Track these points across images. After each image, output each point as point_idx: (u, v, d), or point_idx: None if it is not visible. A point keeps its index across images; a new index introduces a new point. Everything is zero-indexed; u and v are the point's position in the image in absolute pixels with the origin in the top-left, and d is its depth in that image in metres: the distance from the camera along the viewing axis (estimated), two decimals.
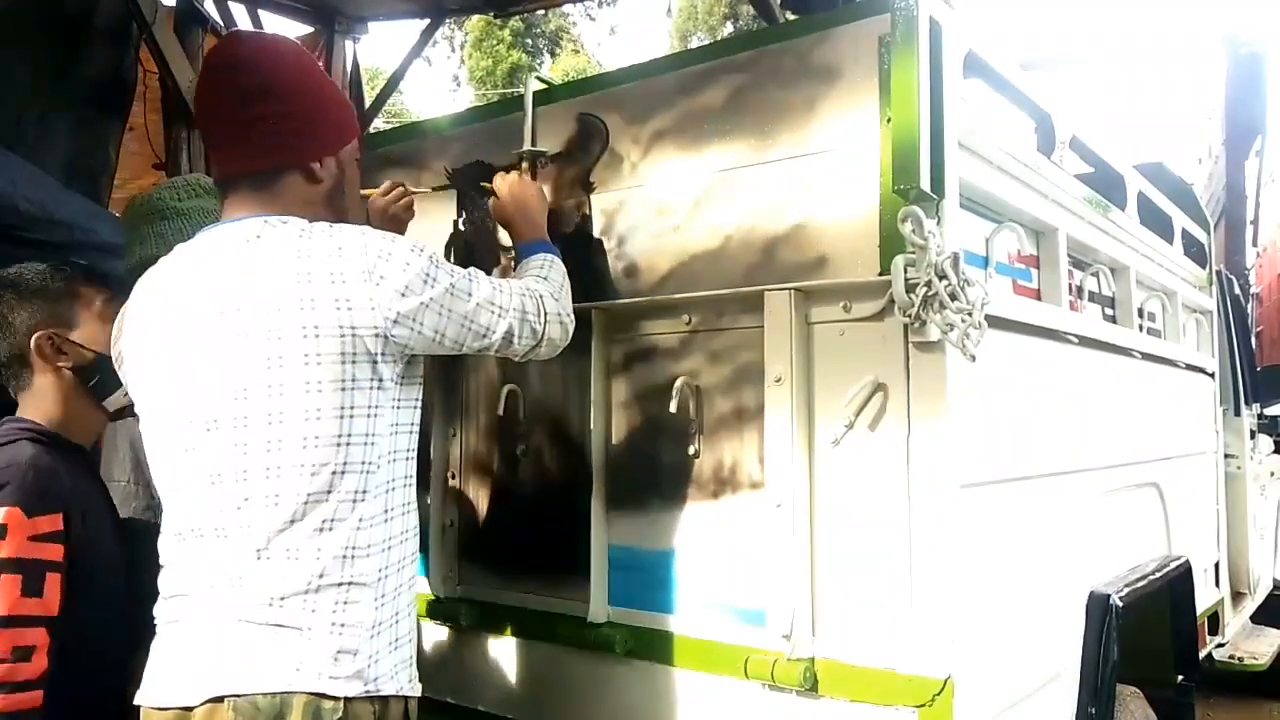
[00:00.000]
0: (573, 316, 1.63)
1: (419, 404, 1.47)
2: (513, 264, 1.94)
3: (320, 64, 1.63)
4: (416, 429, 1.46)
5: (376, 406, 1.34)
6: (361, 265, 1.32)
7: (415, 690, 1.40)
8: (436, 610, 2.10)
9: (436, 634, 2.15)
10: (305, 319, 1.29)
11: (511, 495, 2.08)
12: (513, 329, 1.49)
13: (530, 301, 1.52)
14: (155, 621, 1.39)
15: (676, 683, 1.77)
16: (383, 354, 1.34)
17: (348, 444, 1.31)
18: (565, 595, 1.93)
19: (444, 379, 2.15)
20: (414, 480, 1.46)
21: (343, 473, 1.31)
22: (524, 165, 2.02)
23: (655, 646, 1.80)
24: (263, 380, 1.29)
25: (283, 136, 1.42)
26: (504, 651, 2.05)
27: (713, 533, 1.75)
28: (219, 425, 1.32)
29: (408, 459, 1.43)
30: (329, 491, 1.30)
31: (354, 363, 1.31)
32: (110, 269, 2.97)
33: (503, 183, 1.87)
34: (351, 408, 1.31)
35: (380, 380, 1.35)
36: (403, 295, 1.33)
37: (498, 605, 2.07)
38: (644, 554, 1.85)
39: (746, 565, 1.69)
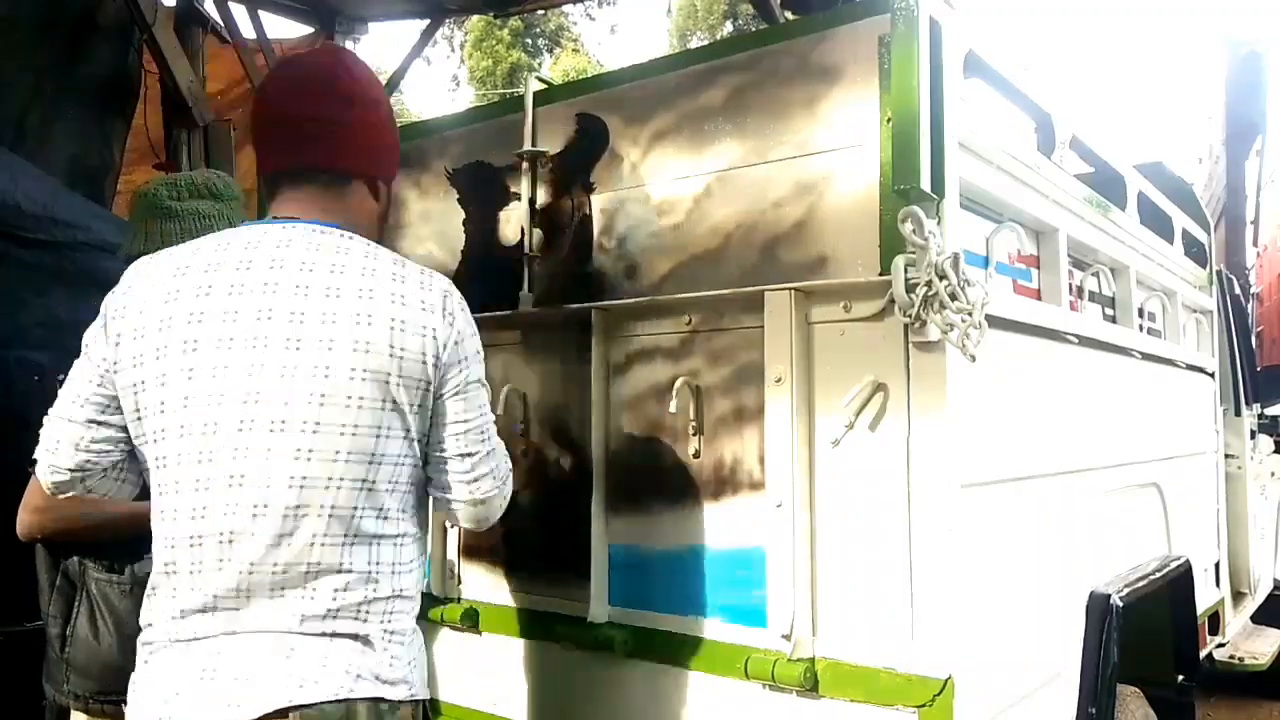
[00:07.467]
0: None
1: None
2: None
3: None
4: None
5: (423, 432, 1.39)
6: (444, 304, 1.38)
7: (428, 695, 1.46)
8: (437, 610, 2.10)
9: (437, 634, 2.15)
10: (394, 339, 1.32)
11: (512, 495, 2.08)
12: (487, 468, 1.45)
13: (507, 463, 1.53)
14: (151, 642, 1.31)
15: (677, 683, 1.77)
16: (437, 383, 1.38)
17: (402, 464, 1.36)
18: (565, 595, 1.93)
19: None
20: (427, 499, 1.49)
21: (393, 491, 1.35)
22: (524, 166, 2.02)
23: (655, 646, 1.80)
24: (344, 390, 1.29)
25: (369, 146, 1.47)
26: (504, 651, 2.05)
27: (713, 532, 1.75)
28: (286, 429, 1.28)
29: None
30: (381, 508, 1.33)
31: (421, 388, 1.35)
32: (110, 268, 2.99)
33: None
34: (411, 431, 1.36)
35: (429, 412, 1.39)
36: (457, 349, 1.39)
37: (498, 605, 2.07)
38: (644, 554, 1.85)
39: (746, 565, 1.69)
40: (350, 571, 1.30)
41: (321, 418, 1.29)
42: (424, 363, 1.35)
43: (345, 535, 1.30)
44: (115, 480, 1.43)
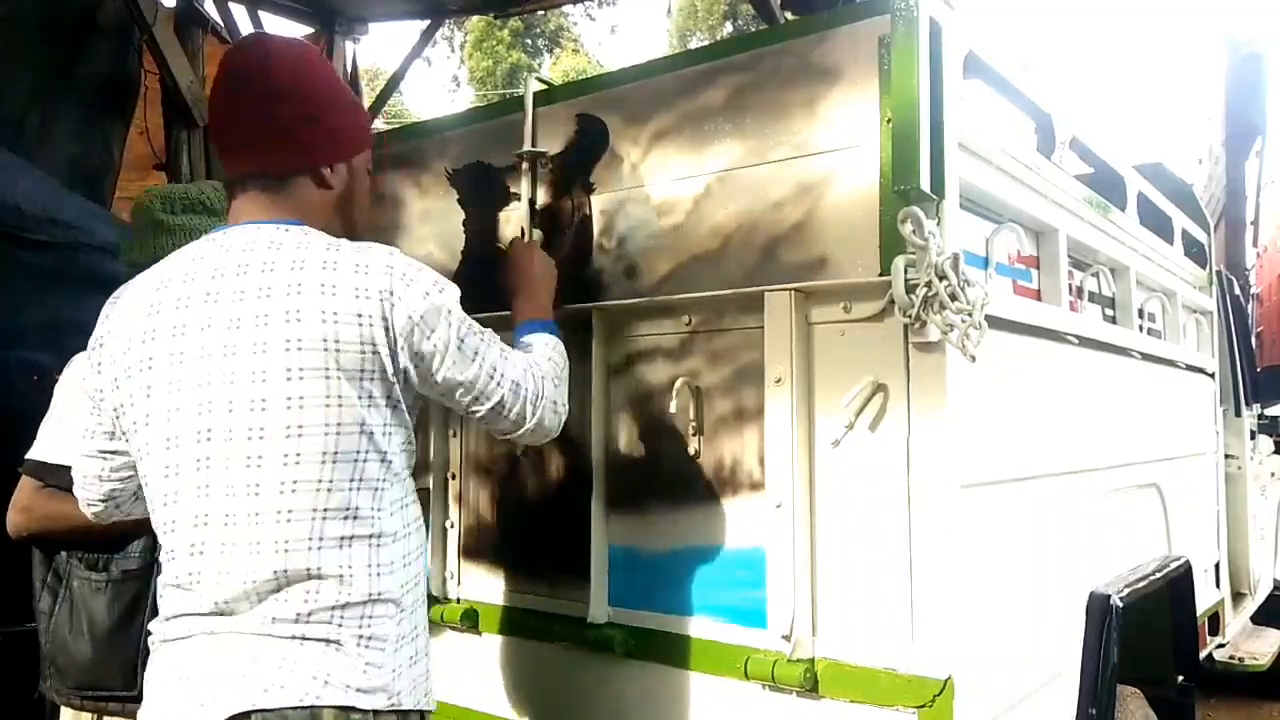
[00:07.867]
0: (567, 406, 1.59)
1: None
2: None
3: None
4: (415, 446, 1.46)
5: (389, 425, 1.34)
6: (383, 284, 1.31)
7: (432, 706, 1.40)
8: (436, 610, 2.10)
9: (437, 634, 2.14)
10: (326, 332, 1.27)
11: (512, 495, 2.08)
12: (505, 400, 1.46)
13: (532, 381, 1.49)
14: (152, 645, 1.35)
15: (676, 683, 1.77)
16: (395, 372, 1.33)
17: (365, 460, 1.30)
18: (565, 595, 1.93)
19: None
20: (416, 497, 1.46)
21: (358, 489, 1.30)
22: (524, 166, 2.02)
23: (655, 647, 1.80)
24: (282, 392, 1.26)
25: (297, 138, 1.41)
26: (504, 652, 2.05)
27: (713, 533, 1.75)
28: (233, 437, 1.28)
29: (410, 475, 1.43)
30: (347, 508, 1.29)
31: (371, 379, 1.30)
32: (110, 269, 2.99)
33: (516, 250, 1.87)
34: (367, 424, 1.30)
35: (396, 403, 1.34)
36: (415, 326, 1.33)
37: (498, 605, 2.07)
38: (644, 554, 1.85)
39: (746, 565, 1.69)
40: (320, 576, 1.27)
41: (265, 423, 1.27)
42: (365, 353, 1.29)
43: (310, 539, 1.27)
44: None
